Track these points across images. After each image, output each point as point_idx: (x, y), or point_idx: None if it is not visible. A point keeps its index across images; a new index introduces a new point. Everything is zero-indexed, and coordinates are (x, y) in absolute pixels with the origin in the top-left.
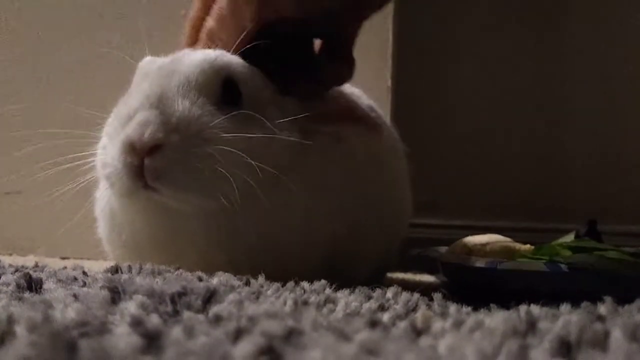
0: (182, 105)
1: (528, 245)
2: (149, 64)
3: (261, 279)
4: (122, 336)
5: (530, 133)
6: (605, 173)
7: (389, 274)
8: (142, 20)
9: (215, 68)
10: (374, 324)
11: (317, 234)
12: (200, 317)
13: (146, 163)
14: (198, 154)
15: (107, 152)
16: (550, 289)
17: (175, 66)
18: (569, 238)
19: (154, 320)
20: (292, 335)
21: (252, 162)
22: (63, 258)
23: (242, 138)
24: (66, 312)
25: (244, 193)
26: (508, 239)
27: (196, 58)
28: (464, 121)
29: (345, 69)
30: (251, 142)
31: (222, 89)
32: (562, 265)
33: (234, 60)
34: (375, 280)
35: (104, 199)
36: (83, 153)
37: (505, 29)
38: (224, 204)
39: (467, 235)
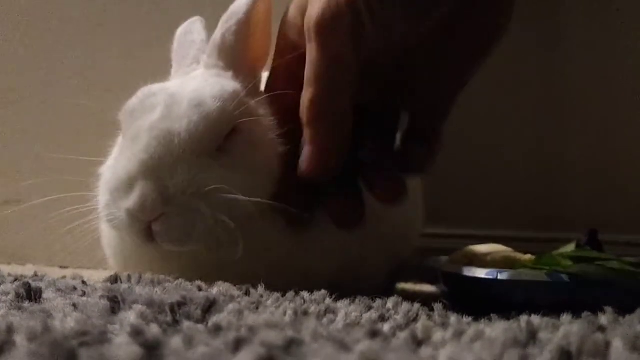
0: (180, 171)
1: (529, 255)
2: (135, 111)
3: (261, 288)
4: (122, 346)
5: (531, 142)
6: (607, 182)
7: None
8: (142, 30)
9: (214, 122)
10: (374, 334)
11: (328, 247)
12: (200, 327)
13: (153, 228)
14: (198, 212)
15: (112, 212)
16: (551, 299)
17: (171, 124)
18: (570, 248)
19: (153, 330)
20: (292, 346)
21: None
22: (62, 267)
23: (242, 179)
24: (66, 322)
25: (250, 220)
26: (509, 249)
27: (192, 113)
28: (464, 131)
29: (427, 157)
30: (253, 176)
31: (223, 138)
32: (563, 276)
33: (231, 102)
34: (385, 290)
35: (111, 234)
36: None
37: (505, 39)
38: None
39: (467, 245)
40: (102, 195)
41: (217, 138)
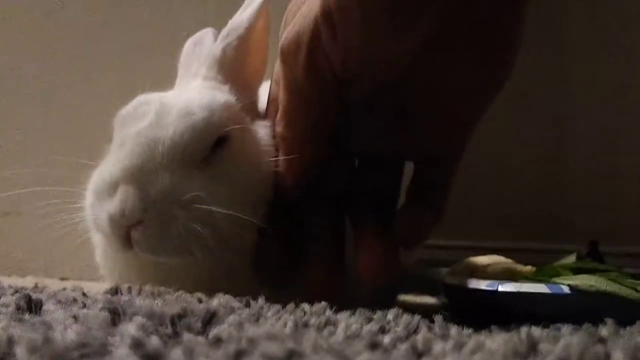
0: (162, 178)
1: (529, 267)
2: (127, 118)
3: (261, 300)
4: (123, 358)
5: (532, 154)
6: (607, 194)
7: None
8: (143, 36)
9: (199, 132)
10: (374, 346)
11: None
12: (200, 338)
13: (132, 235)
14: (177, 222)
15: (97, 213)
16: (552, 311)
17: (157, 132)
18: (571, 259)
19: (154, 341)
20: (292, 357)
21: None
22: (62, 279)
23: (224, 195)
24: (66, 334)
25: (233, 231)
26: (509, 260)
27: (179, 122)
28: None
29: (430, 222)
30: (234, 191)
31: (209, 148)
32: (564, 287)
33: (219, 112)
34: (386, 303)
35: (99, 240)
36: (75, 205)
37: None
38: (212, 251)
39: (468, 257)
40: (88, 197)
41: (202, 148)
